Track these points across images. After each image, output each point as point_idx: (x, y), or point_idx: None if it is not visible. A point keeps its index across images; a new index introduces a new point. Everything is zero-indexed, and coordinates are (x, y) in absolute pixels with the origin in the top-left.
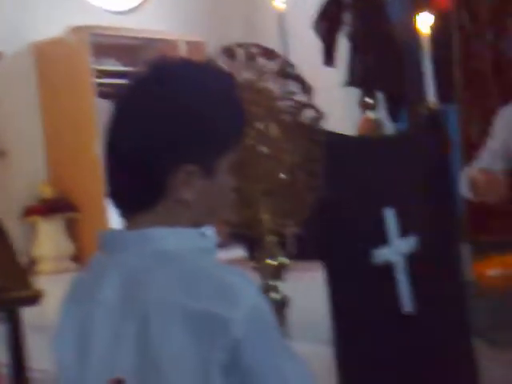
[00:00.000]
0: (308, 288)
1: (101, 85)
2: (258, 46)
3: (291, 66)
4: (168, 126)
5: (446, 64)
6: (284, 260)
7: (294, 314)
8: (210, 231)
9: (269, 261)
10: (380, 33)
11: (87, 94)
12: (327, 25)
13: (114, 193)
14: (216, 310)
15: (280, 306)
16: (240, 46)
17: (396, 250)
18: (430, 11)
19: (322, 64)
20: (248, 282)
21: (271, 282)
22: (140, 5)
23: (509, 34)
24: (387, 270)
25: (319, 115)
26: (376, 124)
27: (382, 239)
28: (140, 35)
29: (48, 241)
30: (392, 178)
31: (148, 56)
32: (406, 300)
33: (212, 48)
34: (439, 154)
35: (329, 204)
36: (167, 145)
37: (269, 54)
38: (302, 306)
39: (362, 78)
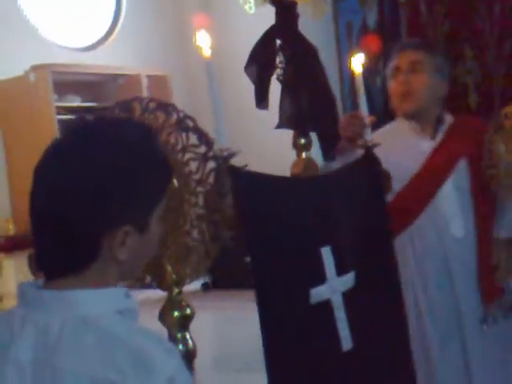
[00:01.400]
0: (244, 317)
1: (63, 121)
2: (154, 100)
3: (190, 118)
4: (100, 190)
5: None
6: (190, 311)
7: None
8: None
9: (176, 313)
10: (311, 74)
11: (49, 131)
12: (259, 67)
13: (41, 257)
14: (130, 381)
15: (189, 358)
16: (136, 100)
17: (333, 287)
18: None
19: (255, 107)
20: (166, 351)
21: (179, 334)
22: (100, 41)
23: (464, 60)
24: (325, 308)
25: (223, 165)
26: (310, 164)
27: (319, 278)
28: (101, 71)
29: (12, 278)
30: (328, 216)
31: (110, 91)
32: (345, 338)
33: (175, 82)
34: (374, 188)
35: (261, 247)
36: (103, 208)
37: (166, 107)
38: (237, 336)
39: (294, 119)
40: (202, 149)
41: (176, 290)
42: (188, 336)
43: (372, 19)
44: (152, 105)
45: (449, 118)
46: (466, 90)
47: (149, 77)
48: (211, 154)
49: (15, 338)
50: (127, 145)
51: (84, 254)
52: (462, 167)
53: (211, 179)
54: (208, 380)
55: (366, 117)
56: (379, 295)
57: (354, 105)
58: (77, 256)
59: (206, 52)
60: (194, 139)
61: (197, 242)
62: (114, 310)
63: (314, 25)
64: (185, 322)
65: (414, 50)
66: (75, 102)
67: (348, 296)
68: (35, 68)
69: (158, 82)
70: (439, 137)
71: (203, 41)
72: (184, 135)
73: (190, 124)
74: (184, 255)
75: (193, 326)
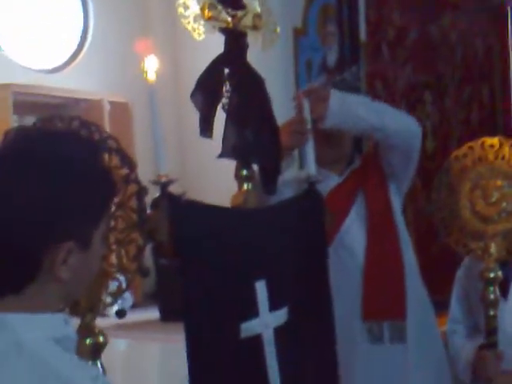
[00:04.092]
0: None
1: None
2: (78, 118)
3: (113, 139)
4: (41, 204)
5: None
6: (102, 339)
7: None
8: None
9: (88, 340)
10: (257, 104)
11: None
12: (205, 95)
13: None
14: None
15: None
16: (59, 118)
17: (265, 322)
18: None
19: (199, 135)
20: (93, 379)
21: (90, 362)
22: (65, 64)
23: (424, 104)
24: (256, 343)
25: (142, 190)
26: (250, 196)
27: (251, 312)
28: (63, 94)
29: None
30: (265, 249)
31: (72, 115)
32: (275, 374)
33: (137, 109)
34: (315, 223)
35: (195, 278)
36: (44, 223)
37: (89, 126)
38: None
39: (237, 149)
40: (124, 171)
41: (89, 316)
42: (99, 364)
43: (332, 58)
44: (75, 123)
45: (358, 162)
46: (424, 134)
47: (111, 103)
48: (133, 176)
49: None
50: (69, 160)
51: (22, 273)
52: (360, 198)
53: (132, 203)
54: None
55: (307, 120)
56: (311, 332)
57: None
58: (14, 275)
59: (151, 76)
60: (116, 161)
61: (114, 268)
62: (51, 337)
63: (273, 62)
64: (97, 350)
65: None
66: None
67: (279, 332)
68: None
69: (119, 108)
70: (345, 174)
71: (149, 66)
72: (106, 156)
73: (113, 145)
74: (100, 280)
75: (139, 358)
